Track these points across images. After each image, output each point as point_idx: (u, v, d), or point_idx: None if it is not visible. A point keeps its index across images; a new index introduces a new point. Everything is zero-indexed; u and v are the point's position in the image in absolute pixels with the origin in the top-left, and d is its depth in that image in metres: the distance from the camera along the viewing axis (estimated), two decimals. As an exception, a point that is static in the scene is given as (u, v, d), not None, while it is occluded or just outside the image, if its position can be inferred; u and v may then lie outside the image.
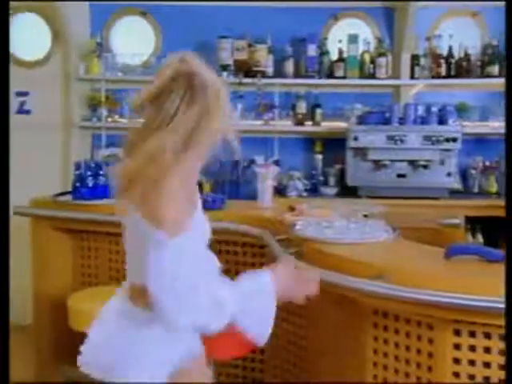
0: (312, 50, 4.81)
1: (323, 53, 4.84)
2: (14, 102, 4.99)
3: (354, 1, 4.88)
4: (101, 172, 3.49)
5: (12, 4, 4.89)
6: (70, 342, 3.57)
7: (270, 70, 4.84)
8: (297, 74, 4.87)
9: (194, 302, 1.68)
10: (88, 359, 1.96)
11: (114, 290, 3.19)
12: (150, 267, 1.67)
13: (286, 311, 3.00)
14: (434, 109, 4.57)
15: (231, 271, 3.24)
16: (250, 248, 3.19)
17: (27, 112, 5.03)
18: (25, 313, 3.63)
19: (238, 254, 3.24)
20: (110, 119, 4.91)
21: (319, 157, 4.91)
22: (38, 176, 4.76)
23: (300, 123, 4.86)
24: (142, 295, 1.75)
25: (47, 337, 3.55)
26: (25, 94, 5.00)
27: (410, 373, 2.14)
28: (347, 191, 4.57)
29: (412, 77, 4.83)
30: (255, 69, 4.78)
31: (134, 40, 5.06)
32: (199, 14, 4.95)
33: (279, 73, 4.87)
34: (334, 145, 4.84)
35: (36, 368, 3.62)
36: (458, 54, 4.80)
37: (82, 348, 1.98)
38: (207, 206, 3.23)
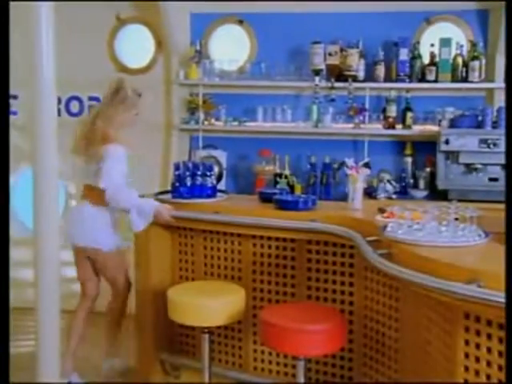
0: (404, 54, 4.71)
1: (415, 57, 4.73)
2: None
3: (447, 1, 4.73)
4: (198, 172, 3.56)
5: (120, 14, 5.10)
6: (168, 331, 3.69)
7: (361, 74, 4.79)
8: (387, 78, 4.79)
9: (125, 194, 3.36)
10: (71, 233, 3.54)
11: (208, 284, 3.30)
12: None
13: (376, 312, 2.97)
14: (529, 112, 4.36)
15: (320, 270, 3.24)
16: (340, 248, 3.16)
17: (133, 115, 5.21)
18: (131, 303, 3.76)
19: (328, 254, 3.22)
20: (206, 122, 5.01)
21: (409, 159, 4.81)
22: (141, 175, 4.92)
23: (391, 126, 4.78)
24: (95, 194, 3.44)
25: (148, 326, 3.66)
26: (131, 98, 5.18)
27: (503, 379, 2.05)
28: (437, 194, 4.45)
29: (506, 80, 4.64)
30: (347, 73, 4.74)
31: (230, 47, 5.14)
32: (292, 21, 4.96)
33: (370, 77, 4.81)
34: (425, 148, 4.73)
35: (138, 354, 3.75)
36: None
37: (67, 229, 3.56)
38: (299, 207, 3.26)
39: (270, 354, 3.41)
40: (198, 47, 5.00)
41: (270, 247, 3.38)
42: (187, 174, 3.57)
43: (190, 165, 3.63)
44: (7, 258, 2.37)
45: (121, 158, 3.39)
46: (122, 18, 5.14)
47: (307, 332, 2.55)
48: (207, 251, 3.59)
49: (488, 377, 2.10)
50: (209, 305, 2.96)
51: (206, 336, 3.12)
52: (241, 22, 5.10)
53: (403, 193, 4.61)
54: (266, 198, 3.52)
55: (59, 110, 4.91)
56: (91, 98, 5.20)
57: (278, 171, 4.81)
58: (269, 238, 3.36)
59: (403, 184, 4.71)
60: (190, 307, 2.97)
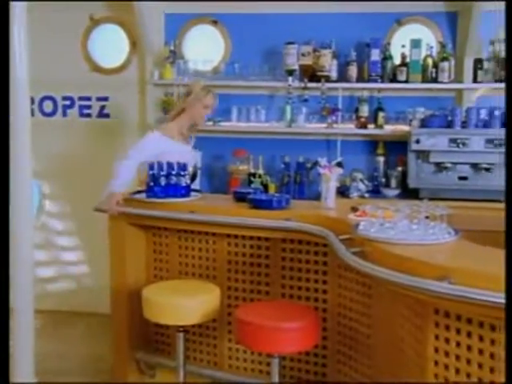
0: (375, 55, 4.75)
1: (386, 57, 4.78)
2: (94, 107, 5.17)
3: (417, 0, 4.78)
4: (172, 172, 3.55)
5: (94, 14, 5.07)
6: (143, 330, 3.68)
7: (334, 75, 4.82)
8: (360, 79, 4.83)
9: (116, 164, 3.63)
10: None
11: (183, 283, 3.29)
12: None
13: (349, 309, 2.99)
14: (497, 112, 4.44)
15: (294, 268, 3.26)
16: (314, 247, 3.19)
17: (107, 116, 5.18)
18: (106, 303, 3.74)
19: (301, 252, 3.24)
20: (181, 122, 4.99)
21: (381, 159, 4.86)
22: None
23: (363, 126, 4.82)
24: None
25: (123, 325, 3.64)
26: (104, 98, 5.16)
27: (471, 373, 2.09)
28: (408, 193, 4.50)
29: (475, 81, 4.71)
30: (320, 73, 4.76)
31: (205, 47, 5.14)
32: (266, 22, 4.97)
33: (343, 77, 4.84)
34: (396, 147, 4.78)
35: (113, 354, 3.73)
36: (522, 57, 4.64)
37: None
38: (273, 206, 3.27)
39: (245, 352, 3.42)
40: (172, 47, 4.99)
41: (244, 246, 3.38)
42: (161, 173, 3.55)
43: (165, 164, 3.62)
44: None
45: (145, 139, 3.89)
46: (95, 18, 5.10)
47: (281, 330, 2.57)
48: (182, 250, 3.58)
49: (457, 370, 2.13)
50: (184, 304, 2.96)
51: (181, 335, 3.11)
52: (215, 23, 5.10)
53: (375, 192, 4.66)
54: (240, 198, 3.53)
55: (32, 110, 4.85)
56: (65, 98, 5.16)
57: (252, 171, 4.82)
58: (243, 237, 3.36)
59: (375, 183, 4.76)
60: (165, 306, 2.97)
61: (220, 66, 5.04)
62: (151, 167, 3.59)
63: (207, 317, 2.99)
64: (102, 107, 5.18)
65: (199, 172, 4.97)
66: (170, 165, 3.62)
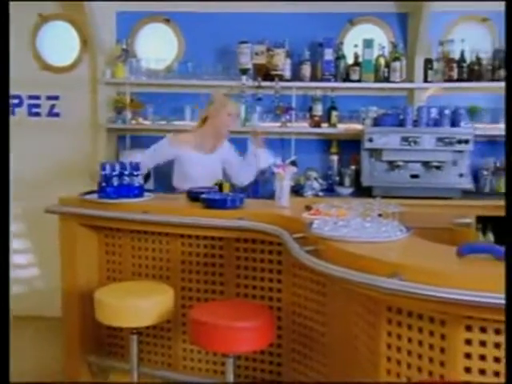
0: (329, 54, 4.79)
1: (339, 57, 4.82)
2: (44, 106, 5.06)
3: (370, 0, 4.84)
4: (125, 172, 3.50)
5: (43, 12, 4.96)
6: (96, 333, 3.62)
7: (287, 74, 4.84)
8: (313, 78, 4.86)
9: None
10: None
11: (136, 285, 3.24)
12: None
13: (303, 307, 3.01)
14: (447, 111, 4.53)
15: (249, 268, 3.26)
16: (268, 246, 3.19)
17: (57, 115, 5.08)
18: (57, 305, 3.66)
19: (256, 252, 3.24)
20: (134, 121, 4.94)
21: (335, 158, 4.90)
22: (67, 176, 4.82)
23: (316, 125, 4.85)
24: None
25: (75, 328, 3.58)
26: (55, 97, 5.06)
27: (423, 367, 2.13)
28: (362, 191, 4.55)
29: (425, 80, 4.80)
30: (273, 72, 4.78)
31: (157, 46, 5.09)
32: (220, 21, 4.96)
33: (296, 76, 4.86)
34: (350, 146, 4.84)
35: (65, 358, 3.66)
36: (469, 58, 4.76)
37: None
38: (227, 205, 3.26)
39: (200, 352, 3.40)
40: (124, 46, 4.92)
41: (198, 246, 3.37)
42: (114, 173, 3.50)
43: (117, 165, 3.57)
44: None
45: (157, 144, 4.02)
46: (44, 15, 5.00)
47: (236, 329, 2.56)
48: (135, 251, 3.54)
49: (409, 365, 2.17)
50: (137, 305, 2.92)
51: (135, 337, 3.07)
52: (167, 21, 5.06)
53: (330, 190, 4.70)
54: (194, 197, 3.50)
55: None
56: (13, 97, 5.04)
57: (207, 170, 4.79)
58: (197, 237, 3.35)
59: (329, 181, 4.80)
60: (117, 308, 2.92)
61: (173, 64, 5.01)
62: (103, 167, 3.53)
63: (161, 318, 2.96)
64: (52, 106, 5.07)
65: (153, 172, 4.93)
66: (122, 165, 3.58)
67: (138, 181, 3.56)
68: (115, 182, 3.49)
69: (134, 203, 3.45)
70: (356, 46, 4.81)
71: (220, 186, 3.87)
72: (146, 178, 4.25)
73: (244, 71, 4.76)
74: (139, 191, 3.55)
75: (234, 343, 2.57)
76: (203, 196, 3.37)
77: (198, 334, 2.65)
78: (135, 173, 3.55)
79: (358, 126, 4.77)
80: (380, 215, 2.83)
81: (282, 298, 3.18)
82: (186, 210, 3.32)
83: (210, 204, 3.29)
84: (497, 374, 1.97)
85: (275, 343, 3.11)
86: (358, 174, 4.71)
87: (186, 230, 3.29)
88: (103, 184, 3.50)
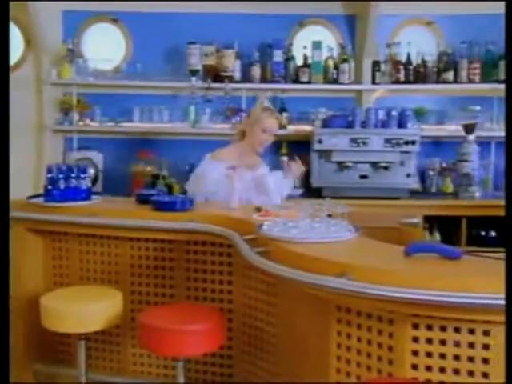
0: (278, 56, 4.83)
1: (289, 58, 4.86)
2: (-14, 106, 4.92)
3: (319, 0, 4.89)
4: (72, 175, 3.44)
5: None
6: (42, 340, 3.54)
7: (237, 75, 4.85)
8: (263, 79, 4.88)
9: None
10: None
11: (84, 290, 3.19)
12: None
13: (254, 309, 3.01)
14: (394, 113, 4.62)
15: (199, 270, 3.25)
16: (219, 248, 3.18)
17: (0, 116, 4.94)
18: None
19: (206, 254, 3.23)
20: (81, 123, 4.86)
21: (285, 159, 4.92)
22: (11, 179, 4.69)
23: (267, 126, 4.86)
24: None
25: (20, 335, 3.49)
26: (-3, 98, 4.92)
27: (372, 366, 2.16)
28: (312, 192, 4.59)
29: (373, 82, 4.88)
30: (223, 74, 4.78)
31: (105, 46, 5.02)
32: (168, 21, 4.93)
33: (246, 78, 4.88)
34: (299, 147, 4.87)
35: (10, 365, 3.56)
36: (415, 60, 4.86)
37: None
38: (177, 208, 3.24)
39: (150, 356, 3.36)
40: (70, 46, 4.84)
41: (147, 249, 3.33)
42: (60, 176, 3.43)
43: (64, 167, 3.50)
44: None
45: (199, 167, 3.76)
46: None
47: (185, 333, 2.55)
48: (83, 255, 3.48)
49: (358, 364, 2.20)
50: (84, 310, 2.87)
51: (82, 343, 3.02)
52: (115, 21, 5.00)
53: (280, 191, 4.71)
54: (143, 200, 3.47)
55: None
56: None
57: (156, 172, 4.76)
58: (146, 240, 3.31)
59: (280, 183, 4.81)
60: (64, 314, 2.86)
61: (121, 65, 4.96)
62: (49, 170, 3.46)
63: (110, 323, 2.91)
64: (-4, 107, 4.94)
65: (101, 174, 4.87)
66: (69, 167, 3.52)
67: (86, 183, 3.50)
68: (62, 184, 3.42)
69: (81, 206, 3.39)
70: (305, 47, 4.86)
71: (169, 189, 3.85)
72: (94, 180, 4.19)
73: (193, 72, 4.75)
74: (87, 194, 3.49)
75: (184, 346, 2.55)
76: (152, 198, 3.34)
77: (148, 338, 2.63)
78: (82, 175, 3.49)
79: (308, 128, 4.82)
80: (329, 216, 2.86)
81: (232, 299, 3.18)
82: (135, 213, 3.28)
83: (160, 206, 3.26)
84: (442, 369, 2.01)
85: (226, 345, 3.10)
86: (307, 175, 4.74)
87: (135, 233, 3.25)
88: (49, 187, 3.42)
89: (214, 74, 4.81)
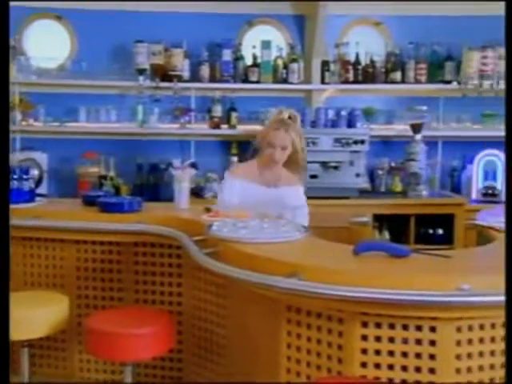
0: (227, 55, 4.82)
1: (238, 58, 4.86)
2: None
3: (268, 0, 4.90)
4: (14, 176, 3.35)
5: None
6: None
7: (186, 75, 4.82)
8: (212, 79, 4.87)
9: None
10: None
11: (27, 295, 3.11)
12: None
13: (204, 311, 3.00)
14: (344, 113, 4.68)
15: (148, 273, 3.21)
16: (168, 249, 3.16)
17: None
18: None
19: (155, 256, 3.20)
20: (24, 123, 4.74)
21: (235, 159, 4.93)
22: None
23: (216, 126, 4.86)
24: None
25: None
26: None
27: (322, 365, 2.17)
28: (262, 192, 4.59)
29: (323, 82, 4.93)
30: (171, 73, 4.74)
31: (49, 44, 4.91)
32: (115, 19, 4.86)
33: (195, 77, 4.85)
34: (249, 147, 4.86)
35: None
36: (364, 60, 4.93)
37: None
38: (124, 209, 3.20)
39: (97, 362, 3.30)
40: (12, 43, 4.71)
41: (94, 252, 3.28)
42: (2, 178, 3.34)
43: (5, 168, 3.41)
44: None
45: (222, 182, 3.52)
46: None
47: (133, 336, 2.52)
48: (26, 259, 3.39)
49: (308, 364, 2.21)
50: (28, 316, 2.79)
51: (26, 350, 2.94)
52: (59, 18, 4.90)
53: (230, 192, 4.71)
54: (89, 201, 3.41)
55: None
56: None
57: (103, 173, 4.69)
58: (93, 243, 3.26)
59: (230, 183, 4.81)
60: (6, 320, 2.79)
61: (66, 63, 4.86)
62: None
63: (55, 328, 2.85)
64: None
65: (45, 175, 4.76)
66: (11, 169, 3.43)
67: (29, 185, 3.42)
68: (3, 186, 3.33)
69: (24, 208, 3.31)
70: (254, 47, 4.87)
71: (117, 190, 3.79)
72: (38, 182, 4.09)
73: (141, 71, 4.69)
74: (30, 196, 3.42)
75: (132, 351, 2.52)
76: (99, 200, 3.29)
77: (95, 343, 2.59)
78: (25, 176, 3.40)
79: (258, 127, 4.81)
80: (279, 216, 2.88)
81: (182, 302, 3.15)
82: (81, 215, 3.23)
83: (107, 208, 3.22)
84: (391, 367, 2.05)
85: (176, 348, 3.07)
86: (258, 175, 4.76)
87: (82, 236, 3.19)
88: (-11, 189, 3.33)
89: (162, 74, 4.77)
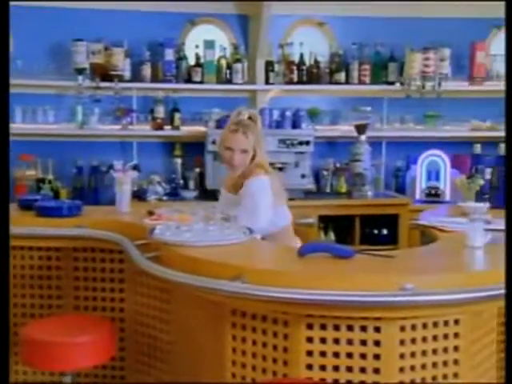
0: (169, 55, 4.79)
1: (181, 57, 4.84)
2: None
3: (211, 0, 4.89)
4: None
5: None
6: None
7: (127, 74, 4.76)
8: (154, 79, 4.82)
9: None
10: None
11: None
12: None
13: (147, 316, 2.97)
14: (288, 113, 4.72)
15: (89, 278, 3.16)
16: (109, 254, 3.12)
17: None
18: None
19: (96, 261, 3.15)
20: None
21: (179, 161, 4.90)
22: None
23: (159, 127, 4.82)
24: None
25: None
26: None
27: (267, 368, 2.18)
28: (207, 194, 4.59)
29: (267, 82, 4.95)
30: (112, 73, 4.67)
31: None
32: (53, 16, 4.75)
33: (137, 77, 4.80)
34: (194, 149, 4.86)
35: None
36: (308, 61, 4.98)
37: None
38: (63, 213, 3.14)
39: (35, 373, 3.22)
40: None
41: (32, 258, 3.20)
42: None
43: None
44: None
45: None
46: None
47: (72, 345, 2.47)
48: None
49: (253, 367, 2.21)
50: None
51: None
52: (-7, 14, 4.76)
53: (174, 194, 4.69)
54: (26, 206, 3.34)
55: None
56: None
57: (41, 176, 4.58)
58: (30, 248, 3.18)
59: (173, 185, 4.79)
60: None
61: (0, 62, 4.72)
62: None
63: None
64: None
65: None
66: None
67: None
68: None
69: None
70: (197, 46, 4.85)
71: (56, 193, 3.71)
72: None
73: (80, 71, 4.60)
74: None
75: (71, 360, 2.47)
76: (37, 204, 3.22)
77: (32, 354, 2.53)
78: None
79: (202, 128, 4.81)
80: (224, 218, 2.88)
81: (124, 308, 3.12)
82: (17, 220, 3.13)
83: (45, 212, 3.15)
84: (336, 368, 2.07)
85: (118, 356, 3.03)
86: (202, 176, 4.75)
87: (18, 242, 3.10)
88: None
89: (103, 73, 4.69)
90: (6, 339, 2.12)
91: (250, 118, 3.20)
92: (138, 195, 4.38)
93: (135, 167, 4.29)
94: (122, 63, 4.70)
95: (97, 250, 3.13)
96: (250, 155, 3.13)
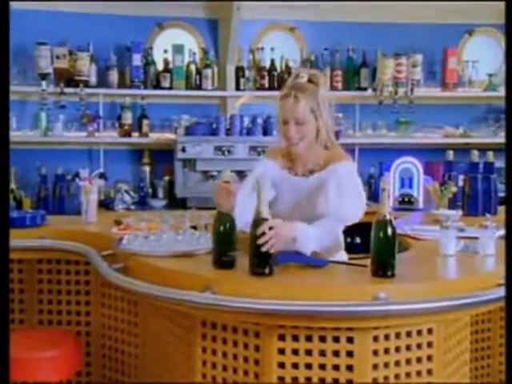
0: (137, 60, 4.77)
1: (148, 63, 4.82)
2: None
3: (180, 0, 4.89)
4: None
5: None
6: None
7: (93, 80, 4.73)
8: (122, 84, 4.80)
9: None
10: None
11: None
12: None
13: (114, 329, 2.95)
14: (259, 120, 4.74)
15: (53, 291, 3.13)
16: (74, 266, 3.10)
17: None
18: None
19: (61, 273, 3.12)
20: None
21: (147, 168, 4.88)
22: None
23: (126, 134, 4.80)
24: None
25: None
26: None
27: (238, 381, 2.18)
28: (176, 203, 4.58)
29: (237, 88, 4.96)
30: (77, 78, 4.64)
31: None
32: (14, 18, 4.61)
33: (103, 82, 4.77)
34: (163, 156, 4.85)
35: None
36: (279, 66, 5.01)
37: None
38: (26, 223, 3.11)
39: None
40: None
41: (-7, 270, 3.16)
42: None
43: None
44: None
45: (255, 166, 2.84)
46: None
47: (35, 360, 2.45)
48: None
49: (224, 380, 2.21)
50: None
51: None
52: (-48, 17, 4.70)
53: (142, 203, 4.66)
54: (-13, 216, 3.29)
55: None
56: None
57: (3, 185, 4.52)
58: (-9, 261, 3.14)
59: (142, 194, 4.75)
60: None
61: (-41, 66, 4.66)
62: None
63: None
64: None
65: None
66: None
67: None
68: None
69: None
70: (166, 51, 4.85)
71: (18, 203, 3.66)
72: None
73: (43, 76, 4.55)
74: None
75: (35, 375, 2.45)
76: (-2, 214, 3.18)
77: (-6, 370, 2.49)
78: None
79: (171, 135, 4.80)
80: (194, 227, 2.87)
81: (90, 321, 3.09)
82: (-23, 231, 3.10)
83: (6, 222, 3.11)
84: (308, 379, 2.08)
85: (83, 371, 3.01)
86: (171, 185, 4.74)
87: (-22, 253, 3.07)
88: None
89: (67, 78, 4.65)
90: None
91: (309, 80, 2.59)
92: (105, 204, 4.34)
93: (102, 175, 4.27)
94: (87, 68, 4.67)
95: (62, 262, 3.11)
96: (312, 127, 2.56)
